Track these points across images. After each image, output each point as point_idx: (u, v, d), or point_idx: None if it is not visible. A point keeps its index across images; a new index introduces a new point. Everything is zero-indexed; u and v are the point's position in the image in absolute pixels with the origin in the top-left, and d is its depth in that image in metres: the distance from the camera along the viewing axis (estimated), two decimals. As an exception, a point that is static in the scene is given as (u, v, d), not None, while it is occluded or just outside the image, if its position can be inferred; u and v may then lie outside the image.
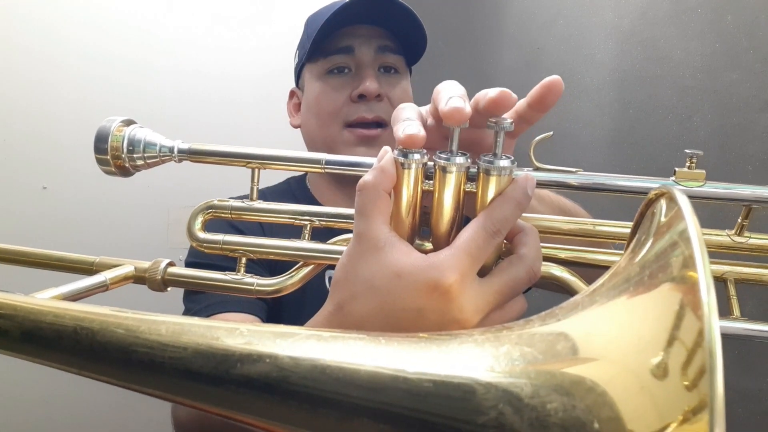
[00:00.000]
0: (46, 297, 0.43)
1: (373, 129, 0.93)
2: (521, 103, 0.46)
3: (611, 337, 0.24)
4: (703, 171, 0.43)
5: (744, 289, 0.43)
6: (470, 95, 0.44)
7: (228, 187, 1.04)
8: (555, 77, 0.44)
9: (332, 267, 0.76)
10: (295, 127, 1.06)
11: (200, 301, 0.83)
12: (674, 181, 0.43)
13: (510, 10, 1.79)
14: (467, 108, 0.40)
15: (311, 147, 1.02)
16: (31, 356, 0.33)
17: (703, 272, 0.20)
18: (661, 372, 0.21)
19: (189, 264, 0.87)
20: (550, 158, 0.46)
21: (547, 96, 0.44)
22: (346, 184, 0.97)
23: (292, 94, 1.09)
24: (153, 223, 1.81)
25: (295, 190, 1.04)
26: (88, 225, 1.69)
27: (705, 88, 1.30)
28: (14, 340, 0.33)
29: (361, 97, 0.92)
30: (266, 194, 0.94)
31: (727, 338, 0.35)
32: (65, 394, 1.64)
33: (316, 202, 1.01)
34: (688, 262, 0.21)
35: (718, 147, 1.27)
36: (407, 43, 0.97)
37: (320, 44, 0.93)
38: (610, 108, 1.50)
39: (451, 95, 0.41)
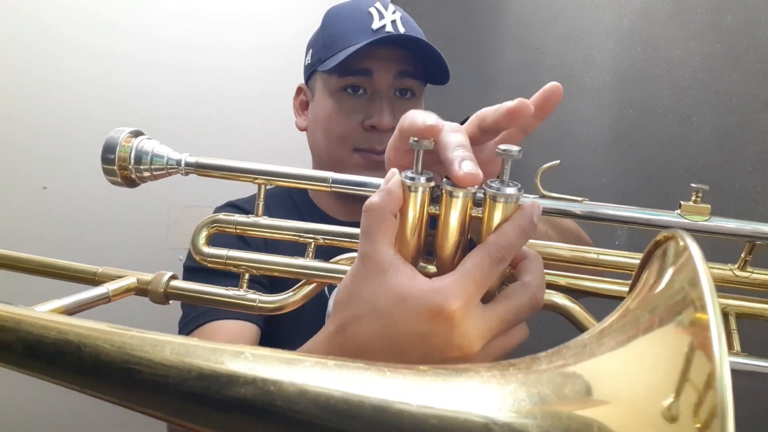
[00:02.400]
0: (48, 309, 0.43)
1: (383, 155, 0.91)
2: None
3: (621, 379, 0.24)
4: (708, 206, 0.43)
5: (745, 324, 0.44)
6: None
7: (229, 188, 1.03)
8: (555, 83, 0.44)
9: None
10: (301, 129, 1.04)
11: (199, 307, 0.82)
12: (679, 214, 0.43)
13: (510, 10, 1.78)
14: (480, 173, 0.39)
15: (316, 159, 1.01)
16: (32, 372, 0.33)
17: (715, 320, 0.20)
18: (672, 415, 0.21)
19: (187, 268, 0.87)
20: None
21: (548, 102, 0.44)
22: (347, 198, 0.97)
23: (299, 90, 1.05)
24: (153, 224, 1.81)
25: (294, 193, 1.03)
26: (88, 225, 1.69)
27: (705, 88, 1.30)
28: (17, 355, 0.32)
29: (373, 127, 0.90)
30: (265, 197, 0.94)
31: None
32: (65, 393, 1.64)
33: (315, 208, 1.01)
34: (699, 309, 0.21)
35: (718, 147, 1.27)
36: (427, 67, 0.94)
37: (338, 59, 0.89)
38: (610, 108, 1.50)
39: (463, 156, 0.40)
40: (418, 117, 0.43)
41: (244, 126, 1.93)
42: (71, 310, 0.45)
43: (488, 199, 0.40)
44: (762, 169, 1.21)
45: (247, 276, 0.48)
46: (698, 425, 0.20)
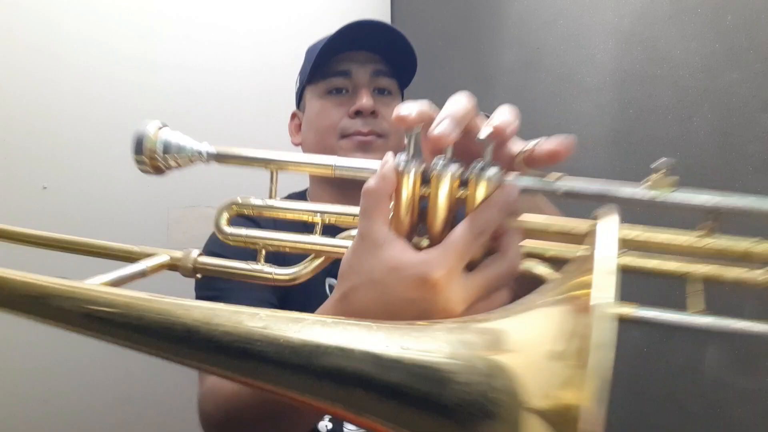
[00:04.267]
0: (95, 283, 0.52)
1: (368, 136, 1.08)
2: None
3: (526, 333, 0.36)
4: (677, 177, 0.47)
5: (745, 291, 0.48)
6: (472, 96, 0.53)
7: (228, 189, 1.12)
8: (570, 137, 0.50)
9: (332, 275, 0.91)
10: (296, 145, 1.21)
11: (213, 294, 0.93)
12: (646, 187, 0.48)
13: (510, 10, 1.82)
14: (450, 132, 0.47)
15: None
16: (139, 346, 0.41)
17: (600, 269, 0.30)
18: (558, 356, 0.32)
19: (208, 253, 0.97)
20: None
21: (560, 155, 0.51)
22: (346, 193, 1.09)
23: (293, 116, 1.25)
24: (153, 223, 1.84)
25: (292, 195, 1.21)
26: (88, 225, 1.71)
27: (705, 88, 1.32)
28: (131, 329, 0.40)
29: (358, 113, 1.08)
30: None
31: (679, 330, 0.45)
32: (64, 394, 1.68)
33: None
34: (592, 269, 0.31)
35: (718, 147, 1.29)
36: (399, 68, 1.14)
37: (320, 68, 1.09)
38: (610, 108, 1.52)
39: (440, 120, 0.48)
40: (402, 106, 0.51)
41: (241, 131, 1.98)
42: (114, 284, 0.54)
43: (472, 180, 0.49)
44: (762, 169, 1.22)
45: (263, 252, 0.57)
46: (577, 361, 0.30)
